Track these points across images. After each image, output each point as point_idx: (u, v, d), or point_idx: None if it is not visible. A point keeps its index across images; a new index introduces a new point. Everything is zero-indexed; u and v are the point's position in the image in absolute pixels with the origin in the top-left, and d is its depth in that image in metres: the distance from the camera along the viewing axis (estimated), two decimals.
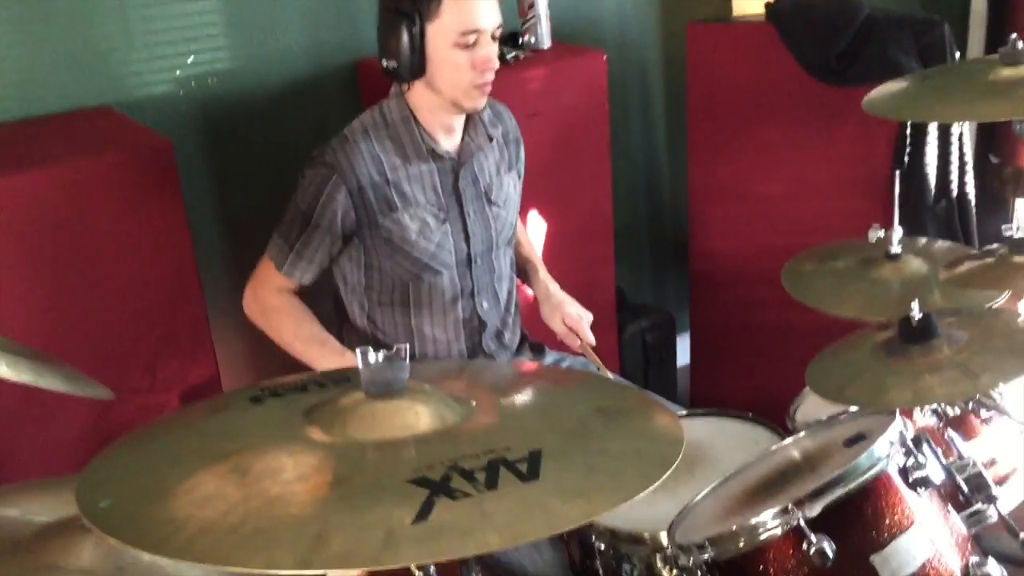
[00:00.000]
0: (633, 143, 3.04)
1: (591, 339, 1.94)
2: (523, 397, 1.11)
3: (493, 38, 1.75)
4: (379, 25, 1.73)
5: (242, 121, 2.33)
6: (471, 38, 1.70)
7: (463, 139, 1.86)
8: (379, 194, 1.78)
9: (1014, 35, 1.65)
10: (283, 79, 2.37)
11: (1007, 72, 1.65)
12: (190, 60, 2.24)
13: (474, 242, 1.88)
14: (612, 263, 2.64)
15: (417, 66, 1.72)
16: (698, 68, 2.71)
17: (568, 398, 1.10)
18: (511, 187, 1.97)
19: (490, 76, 1.76)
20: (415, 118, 1.80)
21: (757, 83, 2.64)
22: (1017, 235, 1.58)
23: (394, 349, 0.97)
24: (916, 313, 1.42)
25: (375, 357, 0.97)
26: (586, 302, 2.04)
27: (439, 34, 1.70)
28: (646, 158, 3.10)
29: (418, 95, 1.78)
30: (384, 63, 1.74)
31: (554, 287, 2.02)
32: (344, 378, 1.05)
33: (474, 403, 1.01)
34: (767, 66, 2.60)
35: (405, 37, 1.69)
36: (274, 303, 1.88)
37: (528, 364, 1.97)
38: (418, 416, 0.96)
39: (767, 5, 2.63)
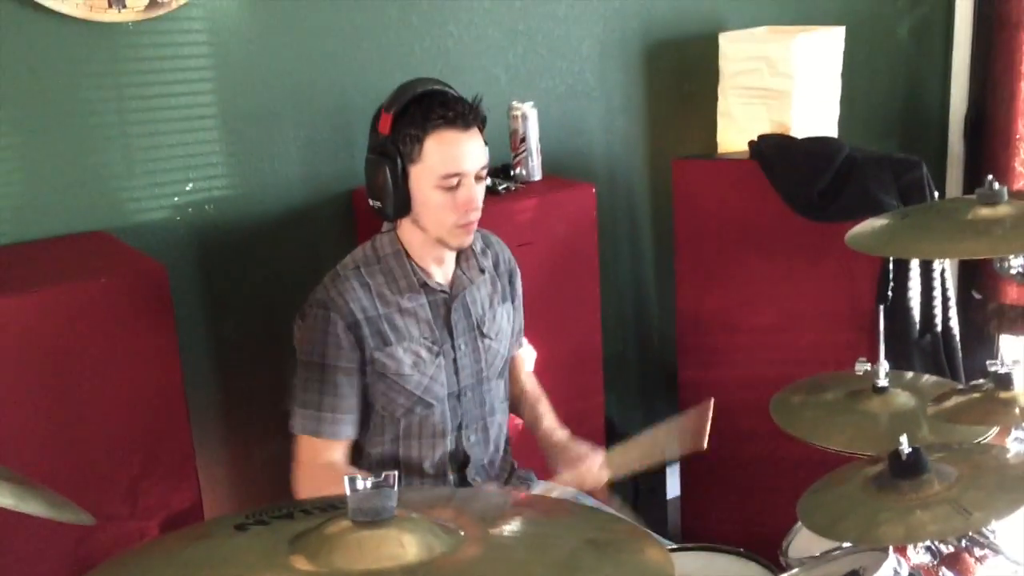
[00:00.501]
0: (622, 274, 3.09)
1: (598, 485, 1.89)
2: (512, 527, 1.09)
3: (478, 178, 1.75)
4: (366, 167, 1.76)
5: (238, 248, 2.37)
6: (453, 180, 1.71)
7: (455, 272, 1.87)
8: (373, 328, 1.76)
9: (990, 176, 1.70)
10: (279, 207, 2.42)
11: (985, 211, 1.69)
12: (188, 187, 2.29)
13: (463, 376, 1.87)
14: (602, 393, 2.64)
15: (402, 206, 1.73)
16: (684, 202, 2.79)
17: (558, 529, 1.08)
18: (504, 319, 1.96)
19: (474, 216, 1.77)
20: (406, 252, 1.81)
21: (742, 217, 2.71)
22: (1002, 370, 1.59)
23: (382, 476, 0.96)
24: (905, 448, 1.42)
25: (363, 484, 0.95)
26: (576, 432, 2.02)
27: (421, 176, 1.71)
28: (635, 289, 3.14)
29: (407, 231, 1.80)
30: (371, 202, 1.77)
31: (564, 436, 1.95)
32: (331, 505, 1.04)
33: (462, 533, 0.99)
34: (752, 201, 2.67)
35: (389, 179, 1.71)
36: (330, 479, 1.65)
37: (518, 493, 1.94)
38: (405, 546, 0.93)
39: (751, 143, 2.72)
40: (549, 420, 2.01)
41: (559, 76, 2.83)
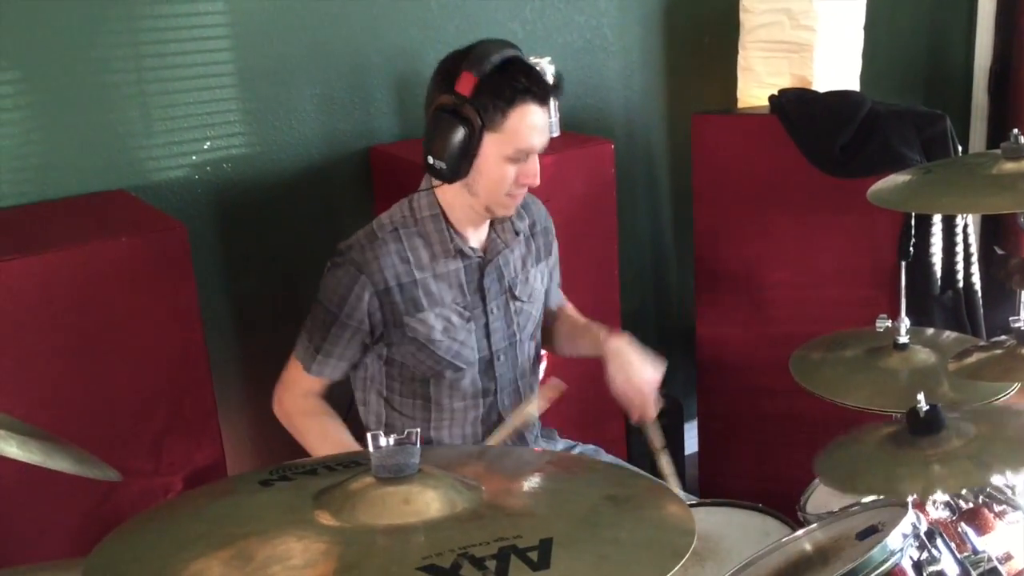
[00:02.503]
0: (640, 230, 3.08)
1: (650, 411, 1.86)
2: (533, 484, 1.10)
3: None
4: (431, 121, 1.69)
5: (256, 206, 2.37)
6: (524, 155, 1.71)
7: (490, 236, 1.85)
8: (406, 295, 1.76)
9: (1015, 130, 1.68)
10: (297, 165, 2.42)
11: (1009, 166, 1.67)
12: (206, 146, 2.29)
13: (496, 339, 1.86)
14: None
15: (464, 170, 1.70)
16: (703, 157, 2.76)
17: (579, 485, 1.09)
18: (537, 280, 1.95)
19: (525, 190, 1.77)
20: (445, 215, 1.79)
21: (762, 172, 2.68)
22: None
23: (406, 433, 0.97)
24: (923, 405, 1.42)
25: (386, 441, 0.96)
26: (593, 389, 2.03)
27: (496, 146, 1.68)
28: (653, 245, 3.13)
29: (450, 194, 1.76)
30: (430, 160, 1.70)
31: (623, 344, 1.86)
32: (355, 462, 1.05)
33: (485, 489, 1.00)
34: (771, 156, 2.64)
35: (461, 141, 1.66)
36: (302, 407, 1.85)
37: (537, 450, 1.95)
38: (428, 502, 0.95)
39: (771, 97, 2.69)
40: (594, 328, 1.96)
41: (577, 31, 2.80)
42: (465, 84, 1.66)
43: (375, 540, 0.92)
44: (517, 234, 1.90)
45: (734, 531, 1.72)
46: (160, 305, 1.91)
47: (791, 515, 1.74)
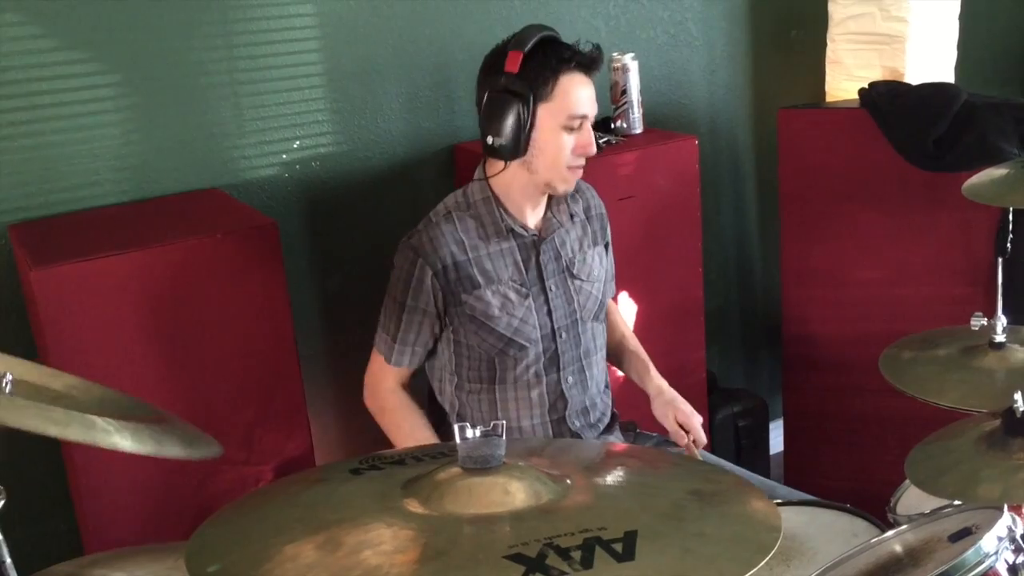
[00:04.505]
0: (725, 227, 3.04)
1: (703, 439, 1.95)
2: (616, 477, 1.11)
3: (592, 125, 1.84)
4: (486, 105, 1.79)
5: (343, 203, 2.43)
6: (577, 122, 1.79)
7: (545, 216, 1.91)
8: (462, 273, 1.82)
9: None
10: (383, 163, 2.46)
11: None
12: (296, 144, 2.35)
13: (557, 316, 1.90)
14: (703, 347, 2.62)
15: (523, 145, 1.78)
16: (790, 153, 2.72)
17: (662, 479, 1.09)
18: (596, 262, 1.99)
19: (584, 160, 1.84)
20: (497, 199, 1.86)
21: (851, 168, 2.63)
22: None
23: (491, 425, 0.99)
24: (1020, 405, 1.37)
25: (473, 433, 0.98)
26: (677, 385, 2.03)
27: (549, 115, 1.77)
28: (737, 242, 3.09)
29: (509, 175, 1.84)
30: (490, 140, 1.79)
31: (665, 384, 2.02)
32: (441, 453, 1.07)
33: (568, 481, 1.01)
34: (861, 151, 2.59)
35: (517, 116, 1.75)
36: (390, 402, 1.93)
37: (619, 444, 1.96)
38: (514, 492, 0.96)
39: (861, 91, 2.63)
40: (650, 367, 2.05)
41: (660, 26, 2.78)
42: (512, 62, 1.76)
43: (462, 528, 0.94)
44: (572, 216, 1.96)
45: (820, 531, 1.70)
46: (252, 301, 1.96)
47: (880, 516, 1.70)
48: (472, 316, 1.84)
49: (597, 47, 1.81)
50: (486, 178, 1.86)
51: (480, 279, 1.84)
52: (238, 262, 1.94)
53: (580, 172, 1.86)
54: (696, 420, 1.95)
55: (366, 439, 2.12)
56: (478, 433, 1.00)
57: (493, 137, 1.78)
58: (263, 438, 2.01)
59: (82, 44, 2.09)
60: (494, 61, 1.80)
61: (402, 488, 1.01)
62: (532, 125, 1.77)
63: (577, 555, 0.86)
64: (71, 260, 1.80)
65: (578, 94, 1.78)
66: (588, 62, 1.79)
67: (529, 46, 1.75)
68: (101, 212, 2.14)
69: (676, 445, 1.97)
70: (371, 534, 0.93)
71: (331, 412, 2.47)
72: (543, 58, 1.76)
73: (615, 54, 2.52)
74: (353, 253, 2.47)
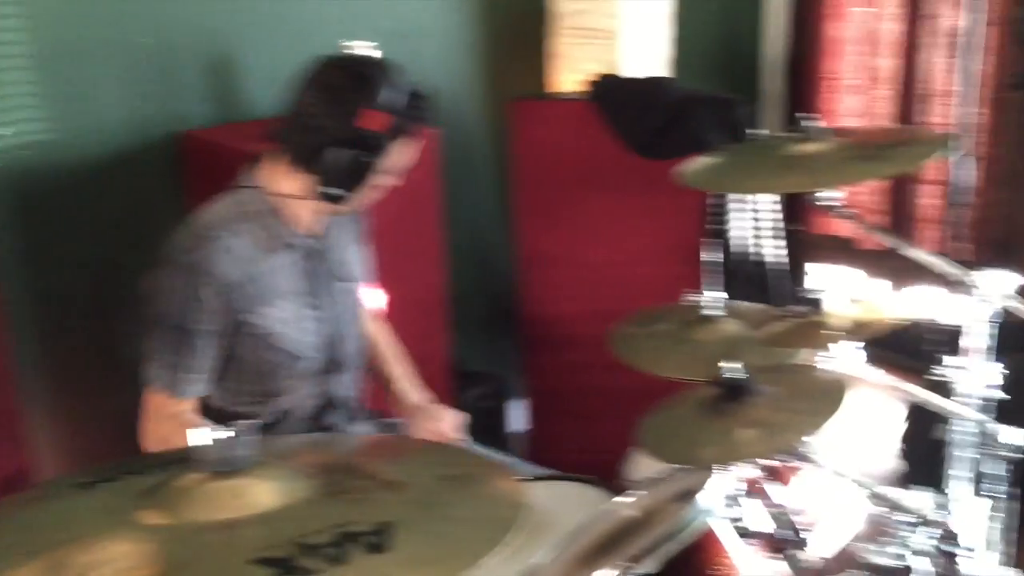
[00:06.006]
0: (465, 216, 3.10)
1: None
2: (369, 469, 1.11)
3: None
4: (330, 155, 1.69)
5: (58, 195, 2.23)
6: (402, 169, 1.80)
7: (323, 223, 1.86)
8: (243, 291, 1.71)
9: (805, 114, 1.81)
10: (101, 151, 2.29)
11: (801, 148, 1.80)
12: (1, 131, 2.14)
13: (331, 324, 1.87)
14: (446, 333, 2.67)
15: (359, 195, 1.76)
16: (523, 142, 2.82)
17: (414, 467, 1.11)
18: (358, 262, 1.99)
19: None
20: (275, 210, 1.77)
21: (579, 156, 2.77)
22: (815, 296, 1.72)
23: (237, 425, 0.96)
24: (730, 372, 1.52)
25: (217, 434, 0.95)
26: (421, 372, 2.06)
27: (382, 167, 1.75)
28: (478, 230, 3.17)
29: (289, 189, 1.76)
30: (325, 190, 1.72)
31: (418, 397, 2.03)
32: (184, 457, 1.02)
33: (322, 477, 1.00)
34: (588, 140, 2.74)
35: (360, 170, 1.71)
36: (175, 431, 1.70)
37: (373, 436, 1.96)
38: (263, 493, 0.94)
39: (588, 83, 2.77)
40: (404, 382, 2.06)
41: (394, 15, 2.79)
42: (374, 121, 1.69)
43: (206, 537, 0.90)
44: (341, 219, 1.92)
45: (566, 504, 1.78)
46: None
47: (618, 484, 1.81)
48: (253, 334, 1.74)
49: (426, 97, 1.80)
50: (256, 186, 1.76)
51: (263, 295, 1.74)
52: None
53: None
54: (452, 432, 1.97)
55: (98, 452, 1.98)
56: (222, 434, 0.96)
57: (331, 187, 1.71)
58: None
59: None
60: (342, 98, 1.70)
61: (139, 499, 0.96)
62: (369, 177, 1.74)
63: (329, 552, 0.86)
64: None
65: (413, 150, 1.80)
66: (427, 118, 1.80)
67: (397, 108, 1.71)
68: None
69: None
70: (101, 554, 0.88)
71: (54, 423, 2.28)
72: (407, 122, 1.74)
73: (356, 42, 2.49)
74: (71, 249, 2.28)
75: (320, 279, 1.85)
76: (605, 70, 2.83)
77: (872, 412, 2.83)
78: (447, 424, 1.98)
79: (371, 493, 0.97)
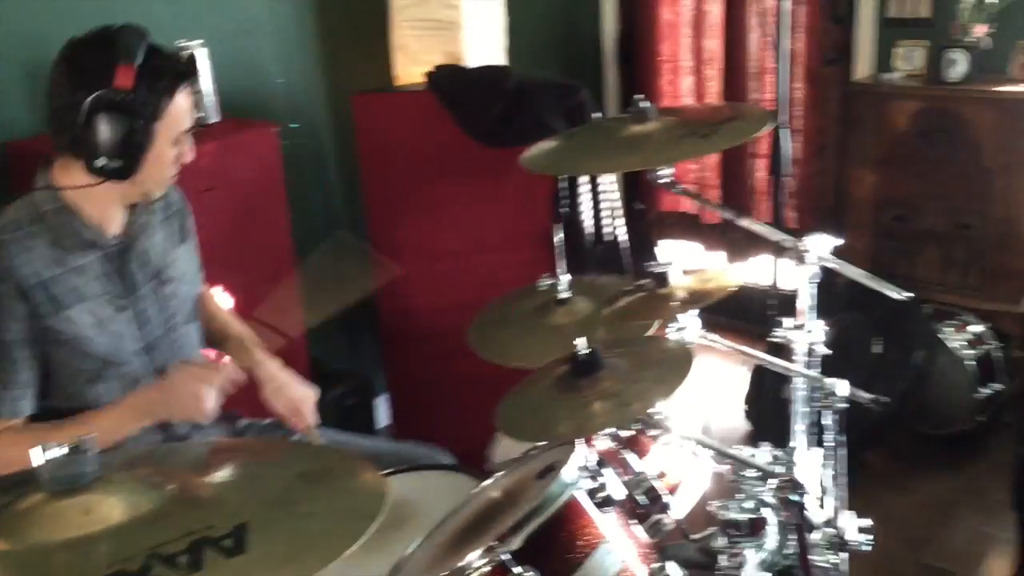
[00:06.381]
0: (314, 212, 3.07)
1: (310, 420, 1.92)
2: (223, 473, 1.09)
3: None
4: (87, 121, 1.59)
5: None
6: (186, 135, 1.72)
7: (128, 221, 1.78)
8: (44, 294, 1.64)
9: (637, 96, 1.87)
10: None
11: (637, 128, 1.86)
12: None
13: (153, 327, 1.80)
14: (303, 332, 2.63)
15: (136, 165, 1.65)
16: (368, 135, 2.81)
17: (270, 467, 1.10)
18: (185, 261, 1.91)
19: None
20: (71, 208, 1.69)
21: (425, 147, 2.78)
22: (659, 270, 1.79)
23: (78, 440, 0.92)
24: (582, 349, 1.56)
25: (56, 451, 0.91)
26: None
27: (163, 132, 1.67)
28: (328, 226, 3.13)
29: (89, 187, 1.67)
30: (99, 163, 1.62)
31: (275, 368, 1.95)
32: (23, 480, 0.98)
33: (171, 486, 0.98)
34: (433, 131, 2.74)
35: (131, 138, 1.61)
36: (13, 443, 1.61)
37: (227, 440, 1.91)
38: (110, 508, 0.91)
39: (427, 74, 2.78)
40: (259, 352, 1.99)
41: (227, 13, 2.72)
42: (123, 77, 1.60)
43: (56, 557, 0.87)
44: (154, 215, 1.85)
45: (429, 493, 1.80)
46: None
47: (485, 469, 1.84)
48: (59, 340, 1.66)
49: (191, 55, 1.75)
50: (52, 187, 1.67)
51: (66, 299, 1.66)
52: None
53: (176, 175, 1.78)
54: (306, 404, 1.93)
55: None
56: (63, 450, 0.92)
57: (100, 158, 1.61)
58: None
59: None
60: (91, 66, 1.61)
61: None
62: (150, 146, 1.65)
63: (184, 560, 0.84)
64: None
65: (187, 110, 1.71)
66: (192, 75, 1.73)
67: (139, 59, 1.61)
68: None
69: (289, 429, 1.96)
70: None
71: None
72: (156, 74, 1.63)
73: (182, 42, 2.42)
74: None
75: (134, 279, 1.78)
76: (448, 61, 2.84)
77: (719, 377, 2.97)
78: (300, 396, 1.92)
79: (223, 497, 0.96)
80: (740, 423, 3.11)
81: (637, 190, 3.98)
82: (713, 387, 3.21)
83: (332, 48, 3.02)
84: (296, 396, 1.92)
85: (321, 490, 1.04)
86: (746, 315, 3.12)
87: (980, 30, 3.08)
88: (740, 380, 3.13)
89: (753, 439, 2.87)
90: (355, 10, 3.04)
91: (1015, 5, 3.03)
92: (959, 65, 3.06)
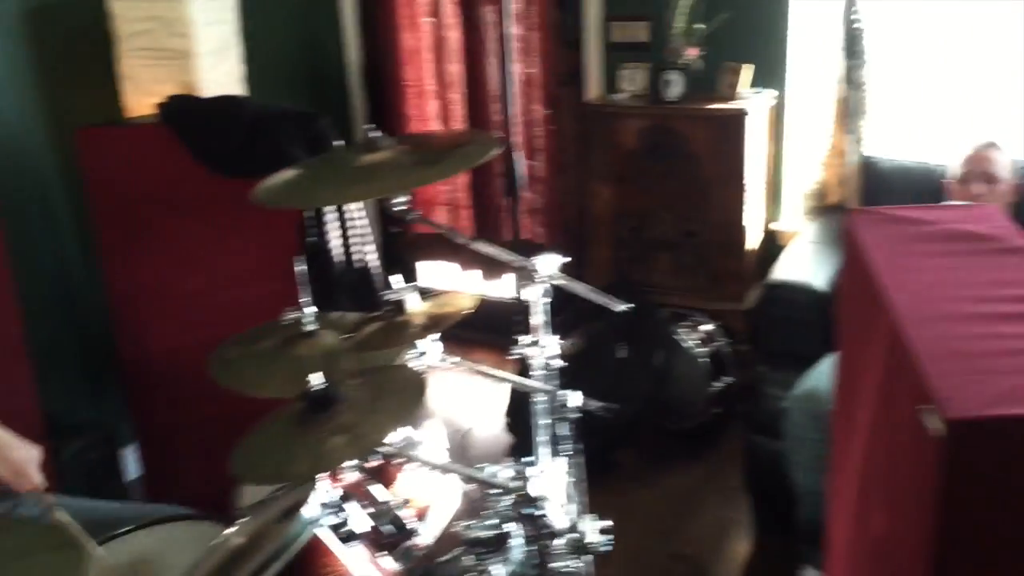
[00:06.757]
0: (42, 257, 2.86)
1: (37, 481, 1.77)
2: None
3: None
4: None
5: None
6: None
7: None
8: None
9: (365, 126, 1.89)
10: None
11: (368, 158, 1.88)
12: None
13: None
14: (33, 386, 2.45)
15: None
16: (97, 172, 2.66)
17: None
18: None
19: None
20: None
21: (160, 182, 2.66)
22: (396, 297, 1.81)
23: None
24: (317, 384, 1.55)
25: None
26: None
27: None
28: (59, 271, 2.94)
29: None
30: None
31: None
32: None
33: None
34: (167, 164, 2.63)
35: None
36: None
37: None
38: None
39: (158, 105, 2.67)
40: None
41: None
42: None
43: None
44: None
45: (173, 545, 1.73)
46: None
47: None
48: None
49: None
50: None
51: None
52: None
53: None
54: (29, 465, 1.80)
55: None
56: None
57: None
58: None
59: None
60: None
61: None
62: None
63: None
64: None
65: None
66: None
67: None
68: None
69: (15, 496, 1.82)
70: None
71: None
72: None
73: None
74: None
75: None
76: (181, 91, 2.74)
77: (482, 392, 3.03)
78: (22, 457, 1.79)
79: None
80: (503, 437, 3.19)
81: (392, 216, 4.00)
82: (475, 403, 3.28)
83: (52, 80, 2.84)
84: (17, 457, 1.78)
85: (10, 568, 0.97)
86: (496, 330, 3.21)
87: (692, 52, 3.34)
88: (502, 394, 3.21)
89: (515, 452, 2.95)
90: (73, 41, 2.87)
91: (720, 30, 3.31)
92: (675, 85, 3.31)
